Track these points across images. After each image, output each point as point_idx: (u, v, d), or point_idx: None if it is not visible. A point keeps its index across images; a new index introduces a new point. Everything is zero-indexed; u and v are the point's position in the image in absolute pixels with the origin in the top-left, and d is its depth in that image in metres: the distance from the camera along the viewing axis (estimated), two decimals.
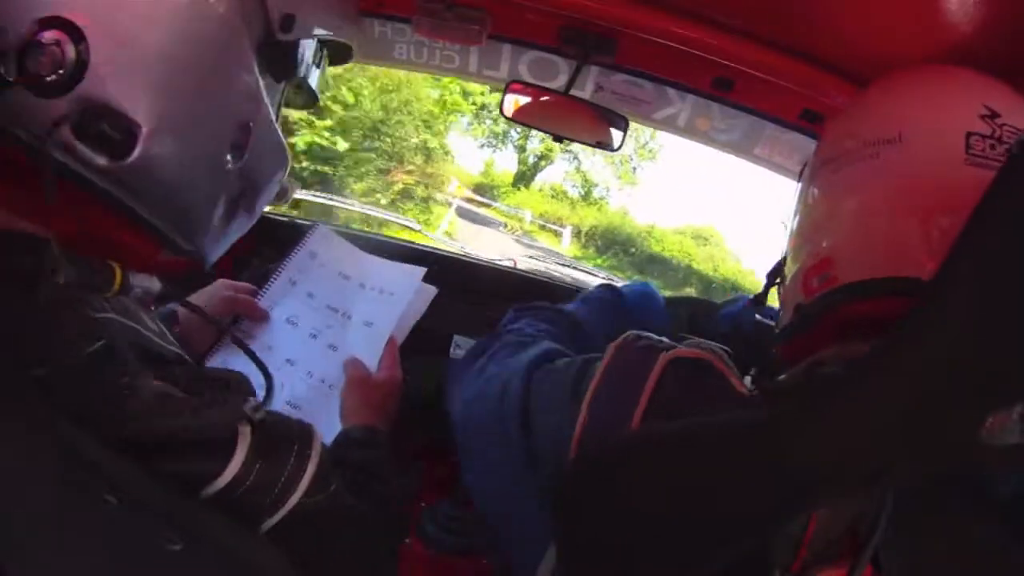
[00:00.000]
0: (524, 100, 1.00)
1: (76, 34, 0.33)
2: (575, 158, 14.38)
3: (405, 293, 0.83)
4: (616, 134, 1.02)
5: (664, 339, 0.47)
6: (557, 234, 12.14)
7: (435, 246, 1.54)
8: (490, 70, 1.14)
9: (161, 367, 0.39)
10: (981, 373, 0.31)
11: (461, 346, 1.27)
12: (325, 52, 0.57)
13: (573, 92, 0.97)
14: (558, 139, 1.01)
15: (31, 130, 0.34)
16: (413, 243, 1.46)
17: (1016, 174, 0.32)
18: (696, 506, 0.35)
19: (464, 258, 1.47)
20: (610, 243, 12.34)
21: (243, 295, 0.78)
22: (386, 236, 1.58)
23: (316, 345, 0.79)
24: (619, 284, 0.91)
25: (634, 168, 14.79)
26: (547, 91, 1.00)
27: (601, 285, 0.89)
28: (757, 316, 0.88)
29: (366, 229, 1.80)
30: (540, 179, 14.68)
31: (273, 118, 0.48)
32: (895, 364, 0.33)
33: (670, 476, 0.37)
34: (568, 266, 1.70)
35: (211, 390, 0.38)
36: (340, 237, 0.90)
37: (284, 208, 1.25)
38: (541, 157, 14.54)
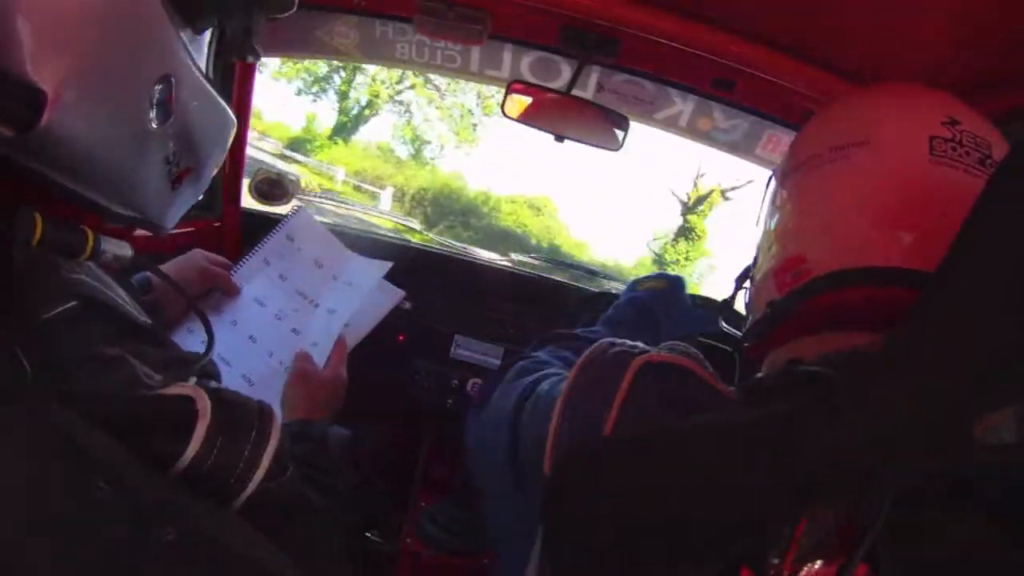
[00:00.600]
0: (526, 100, 1.00)
1: None
2: (407, 111, 12.31)
3: (368, 284, 0.84)
4: (618, 134, 1.02)
5: (639, 344, 0.47)
6: (374, 196, 10.49)
7: (437, 246, 1.54)
8: (492, 70, 1.15)
9: (132, 336, 0.38)
10: (978, 374, 0.31)
11: (461, 345, 1.27)
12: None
13: (575, 92, 0.97)
14: (559, 139, 1.01)
15: None
16: (412, 242, 1.47)
17: (1012, 180, 0.32)
18: (686, 507, 0.35)
19: (465, 258, 1.47)
20: (443, 211, 10.77)
21: (217, 268, 0.78)
22: (384, 235, 1.58)
23: (280, 327, 0.79)
24: (644, 287, 0.87)
25: (475, 124, 12.57)
26: (549, 91, 1.00)
27: (625, 299, 0.86)
28: (723, 324, 0.88)
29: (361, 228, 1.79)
30: (365, 133, 12.48)
31: (200, 72, 0.45)
32: (894, 365, 0.33)
33: (658, 476, 0.37)
34: (571, 267, 1.70)
35: (174, 367, 0.37)
36: (319, 224, 0.90)
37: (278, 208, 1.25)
38: (366, 106, 12.28)
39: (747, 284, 0.58)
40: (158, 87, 0.41)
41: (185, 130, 0.45)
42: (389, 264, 0.86)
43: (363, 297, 0.83)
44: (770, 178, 0.56)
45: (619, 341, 0.48)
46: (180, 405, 0.35)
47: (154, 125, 0.41)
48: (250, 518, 0.36)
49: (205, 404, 0.35)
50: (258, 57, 0.54)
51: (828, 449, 0.33)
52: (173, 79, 0.42)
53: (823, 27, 0.68)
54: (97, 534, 0.28)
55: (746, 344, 0.54)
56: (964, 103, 0.47)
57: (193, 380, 0.36)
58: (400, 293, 0.88)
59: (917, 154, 0.43)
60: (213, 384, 0.42)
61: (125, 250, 0.43)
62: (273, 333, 0.79)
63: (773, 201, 0.53)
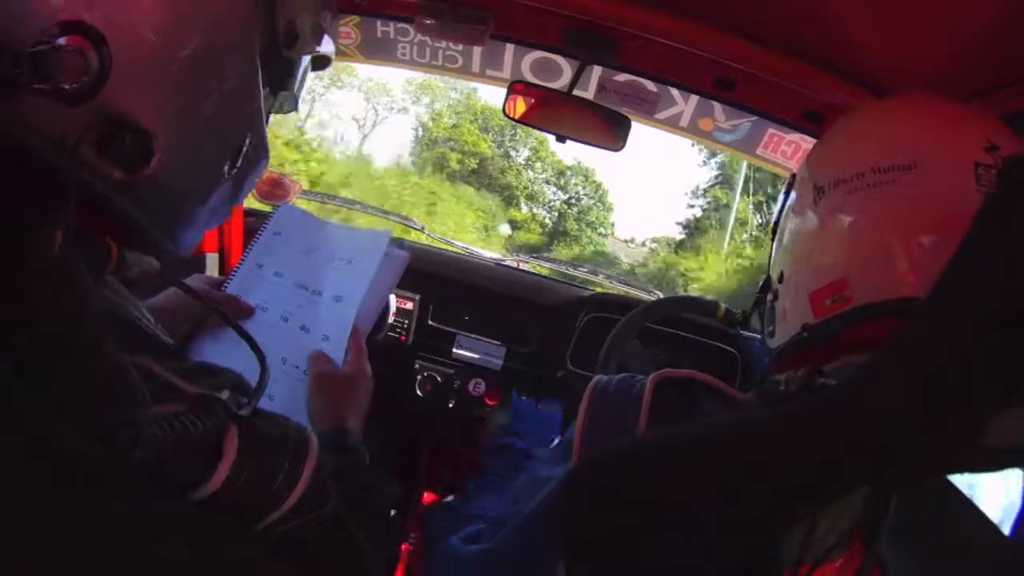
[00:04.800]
0: (527, 100, 1.00)
1: (99, 40, 0.31)
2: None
3: (372, 260, 0.76)
4: (619, 134, 1.01)
5: (638, 375, 0.48)
6: None
7: (439, 246, 1.53)
8: (493, 70, 1.15)
9: (156, 352, 0.36)
10: (984, 375, 0.31)
11: (463, 345, 1.27)
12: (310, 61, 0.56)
13: (576, 92, 0.96)
14: (561, 139, 1.01)
15: (45, 137, 0.32)
16: (412, 242, 1.46)
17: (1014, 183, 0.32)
18: (702, 505, 0.35)
19: (467, 258, 1.47)
20: None
21: (220, 292, 0.73)
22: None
23: (288, 328, 0.73)
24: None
25: None
26: (550, 91, 1.00)
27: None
28: (742, 332, 0.88)
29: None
30: None
31: (265, 125, 0.48)
32: (898, 365, 0.33)
33: (678, 475, 0.37)
34: (576, 267, 1.70)
35: (205, 377, 0.36)
36: (305, 212, 0.84)
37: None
38: None
39: (768, 297, 0.55)
40: (239, 140, 0.44)
41: (241, 175, 0.47)
42: (390, 232, 0.79)
43: (369, 274, 0.75)
44: (789, 184, 0.54)
45: (616, 375, 0.49)
46: (208, 435, 0.33)
47: (227, 174, 0.44)
48: (283, 551, 0.35)
49: (234, 442, 0.33)
50: (296, 110, 0.58)
51: (834, 451, 0.33)
52: (249, 135, 0.45)
53: (825, 27, 0.68)
54: (104, 551, 0.28)
55: (772, 362, 0.52)
56: (1003, 125, 0.46)
57: (226, 393, 0.35)
58: (404, 255, 0.80)
59: (965, 184, 0.42)
60: (245, 403, 0.40)
61: (151, 264, 0.43)
62: (282, 337, 0.72)
63: (803, 214, 0.51)
